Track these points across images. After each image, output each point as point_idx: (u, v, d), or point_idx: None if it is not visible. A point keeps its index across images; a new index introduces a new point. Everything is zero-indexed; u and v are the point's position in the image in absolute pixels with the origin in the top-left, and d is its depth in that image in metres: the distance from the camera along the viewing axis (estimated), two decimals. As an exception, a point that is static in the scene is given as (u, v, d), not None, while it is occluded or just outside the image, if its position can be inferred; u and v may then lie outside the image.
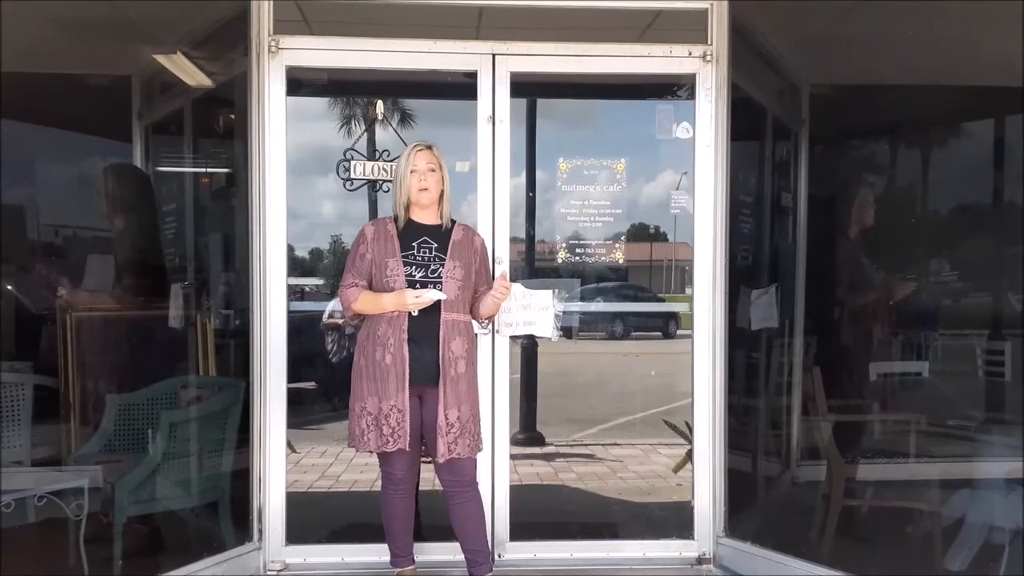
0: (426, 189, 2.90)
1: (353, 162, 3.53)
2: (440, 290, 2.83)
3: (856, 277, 3.83)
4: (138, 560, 3.17)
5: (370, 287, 2.92)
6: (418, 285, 2.85)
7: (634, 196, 3.74)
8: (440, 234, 2.95)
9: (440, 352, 2.85)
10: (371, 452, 2.92)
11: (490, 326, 3.35)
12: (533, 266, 3.92)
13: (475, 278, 2.98)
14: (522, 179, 3.79)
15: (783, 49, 4.03)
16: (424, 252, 2.91)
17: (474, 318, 3.04)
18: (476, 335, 3.06)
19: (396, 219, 2.97)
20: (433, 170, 2.93)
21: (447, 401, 2.84)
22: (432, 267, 2.88)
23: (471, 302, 3.01)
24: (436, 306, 2.83)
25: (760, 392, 4.22)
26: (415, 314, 2.83)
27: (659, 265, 4.31)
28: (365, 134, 3.67)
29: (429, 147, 2.96)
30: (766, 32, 3.78)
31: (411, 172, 2.92)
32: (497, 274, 3.18)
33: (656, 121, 3.59)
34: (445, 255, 2.91)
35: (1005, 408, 4.17)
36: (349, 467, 4.32)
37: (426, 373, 2.85)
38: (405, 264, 2.87)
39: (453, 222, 3.01)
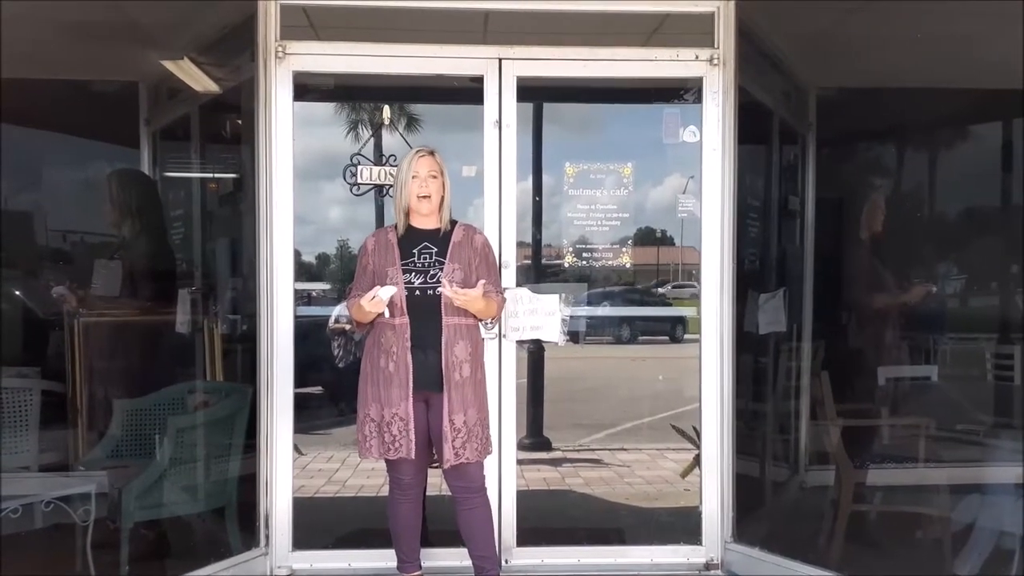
0: (427, 197, 2.86)
1: (360, 167, 3.53)
2: (438, 292, 2.77)
3: (874, 281, 3.81)
4: (145, 565, 3.17)
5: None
6: (417, 292, 2.81)
7: (641, 200, 3.73)
8: (440, 238, 2.91)
9: (443, 357, 2.82)
10: (375, 459, 2.90)
11: (497, 330, 3.34)
12: (540, 270, 3.91)
13: (476, 276, 2.88)
14: (529, 183, 3.79)
15: (790, 52, 4.02)
16: (424, 258, 2.88)
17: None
18: (483, 339, 3.04)
19: (397, 227, 2.94)
20: (435, 176, 2.88)
21: (452, 406, 2.82)
22: (431, 272, 2.84)
23: None
24: (438, 310, 2.81)
25: (768, 396, 4.21)
26: (387, 316, 2.78)
27: (666, 269, 4.32)
28: (372, 139, 3.67)
29: (431, 152, 2.91)
30: (773, 35, 3.78)
31: (412, 178, 2.87)
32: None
33: (663, 125, 3.58)
34: (445, 258, 2.87)
35: (1015, 412, 4.15)
36: (356, 472, 4.32)
37: (430, 378, 2.82)
38: (404, 271, 2.84)
39: (455, 223, 2.96)
